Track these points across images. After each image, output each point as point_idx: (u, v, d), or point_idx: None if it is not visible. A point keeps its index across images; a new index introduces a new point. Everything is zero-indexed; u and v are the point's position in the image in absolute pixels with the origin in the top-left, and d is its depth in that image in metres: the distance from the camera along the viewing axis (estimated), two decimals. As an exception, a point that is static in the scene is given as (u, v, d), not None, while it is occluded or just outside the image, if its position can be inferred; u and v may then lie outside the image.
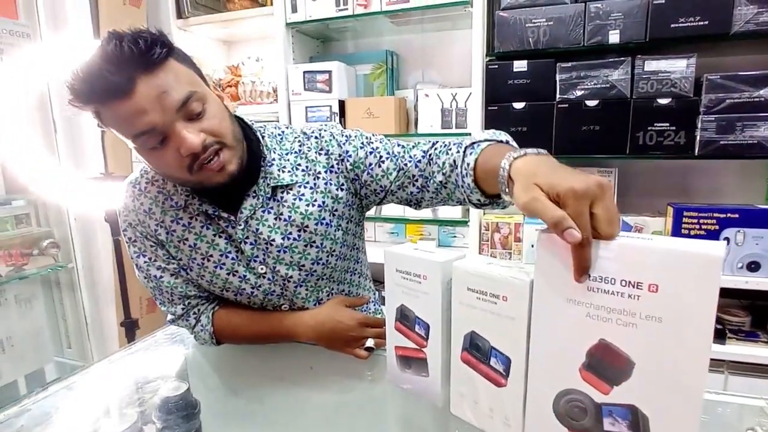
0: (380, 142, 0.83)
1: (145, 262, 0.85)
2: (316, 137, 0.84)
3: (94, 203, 1.58)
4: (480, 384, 0.60)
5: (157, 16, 1.97)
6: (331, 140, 0.84)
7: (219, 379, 0.97)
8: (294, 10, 1.66)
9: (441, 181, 0.75)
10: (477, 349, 0.60)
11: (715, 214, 1.38)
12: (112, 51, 0.62)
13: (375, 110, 1.61)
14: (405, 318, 0.69)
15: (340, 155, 0.83)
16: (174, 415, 0.79)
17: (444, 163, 0.73)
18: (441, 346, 0.64)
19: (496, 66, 1.47)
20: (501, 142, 0.68)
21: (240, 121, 0.82)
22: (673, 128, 1.35)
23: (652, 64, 1.33)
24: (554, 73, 1.42)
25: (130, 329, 1.61)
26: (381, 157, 0.81)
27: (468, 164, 0.66)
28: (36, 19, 1.66)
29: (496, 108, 1.48)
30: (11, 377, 1.77)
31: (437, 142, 0.78)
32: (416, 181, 0.79)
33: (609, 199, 0.44)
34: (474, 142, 0.68)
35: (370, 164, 0.82)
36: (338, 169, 0.83)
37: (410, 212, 1.67)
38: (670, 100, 1.34)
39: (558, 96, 1.43)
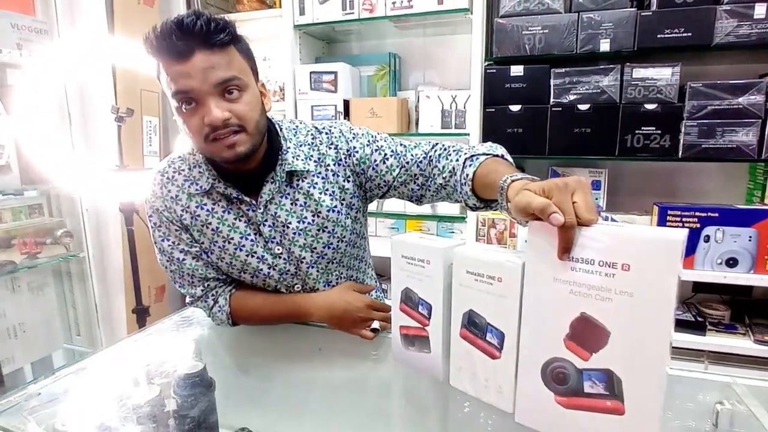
0: (385, 140, 0.91)
1: (169, 245, 0.91)
2: (326, 133, 0.92)
3: (108, 194, 1.64)
4: (477, 357, 0.67)
5: (168, 16, 2.01)
6: (340, 136, 0.91)
7: (231, 360, 1.02)
8: (302, 12, 1.72)
9: (441, 184, 0.83)
10: (474, 326, 0.67)
11: (697, 213, 1.47)
12: (188, 22, 0.72)
13: (378, 110, 1.68)
14: (409, 300, 0.76)
15: (347, 150, 0.91)
16: (192, 391, 0.84)
17: (444, 167, 0.82)
18: (442, 324, 0.71)
19: (494, 70, 1.55)
20: (497, 156, 0.76)
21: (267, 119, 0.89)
22: (659, 132, 1.43)
23: (640, 72, 1.41)
24: (549, 78, 1.50)
25: (141, 316, 1.67)
26: (385, 154, 0.89)
27: (467, 175, 0.75)
28: (53, 16, 1.72)
29: (493, 110, 1.55)
30: (22, 363, 1.82)
31: (437, 144, 0.86)
32: (417, 179, 0.87)
33: (586, 192, 0.52)
34: (474, 155, 0.76)
35: (375, 161, 0.89)
36: (346, 163, 0.91)
37: (410, 208, 1.74)
38: (656, 105, 1.42)
39: (552, 100, 1.51)
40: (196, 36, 0.72)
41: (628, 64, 1.43)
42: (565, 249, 0.52)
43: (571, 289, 0.54)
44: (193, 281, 0.94)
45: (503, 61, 1.55)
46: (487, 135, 1.56)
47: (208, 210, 0.88)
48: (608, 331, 0.52)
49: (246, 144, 0.79)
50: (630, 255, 0.49)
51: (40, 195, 1.85)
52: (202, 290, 0.94)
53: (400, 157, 0.88)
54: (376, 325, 0.91)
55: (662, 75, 1.39)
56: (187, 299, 0.98)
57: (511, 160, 0.77)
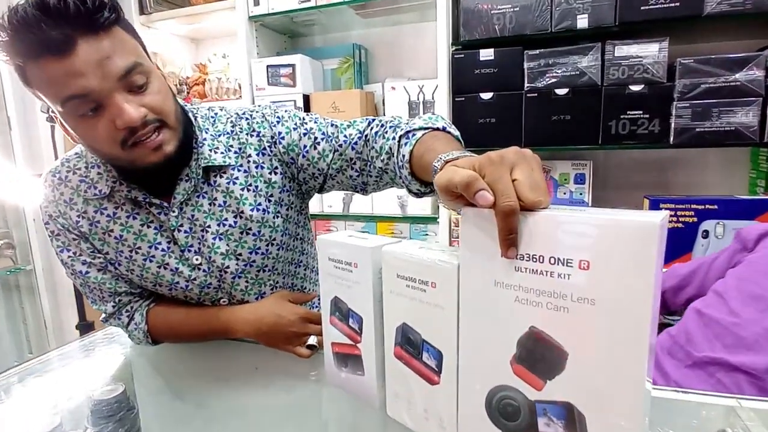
0: (315, 122, 0.78)
1: (69, 257, 0.78)
2: (247, 118, 0.79)
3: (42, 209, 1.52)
4: (414, 382, 0.54)
5: (119, 11, 1.90)
6: (262, 121, 0.78)
7: (162, 381, 0.91)
8: (256, 2, 1.61)
9: (381, 168, 0.71)
10: (409, 344, 0.54)
11: (694, 206, 1.34)
12: (55, 5, 0.55)
13: (340, 104, 1.56)
14: (339, 311, 0.63)
15: (272, 137, 0.77)
16: (108, 419, 0.73)
17: (381, 148, 0.69)
18: (374, 341, 0.58)
19: (462, 55, 1.42)
20: (438, 129, 0.63)
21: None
22: (647, 116, 1.30)
23: (623, 50, 1.28)
24: (522, 61, 1.37)
25: (86, 332, 1.54)
26: (316, 138, 0.76)
27: (403, 156, 0.62)
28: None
29: (463, 99, 1.43)
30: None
31: (374, 120, 0.74)
32: (354, 164, 0.74)
33: (532, 166, 0.40)
34: (410, 131, 0.63)
35: (305, 146, 0.76)
36: (271, 151, 0.78)
37: (379, 209, 1.61)
38: (642, 86, 1.29)
39: (526, 85, 1.37)
40: (73, 19, 0.56)
41: (609, 41, 1.30)
42: (508, 242, 0.39)
43: (516, 295, 0.41)
44: (102, 296, 0.81)
45: (472, 45, 1.43)
46: (457, 126, 1.38)
47: (109, 215, 0.75)
48: (565, 351, 0.39)
49: (173, 141, 0.67)
50: (589, 248, 0.36)
51: (-16, 205, 1.72)
52: (114, 306, 0.82)
53: (332, 140, 0.75)
54: (313, 341, 0.78)
55: (648, 52, 1.26)
56: (101, 317, 0.85)
57: (456, 132, 0.64)
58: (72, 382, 0.84)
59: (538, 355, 0.41)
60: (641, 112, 1.30)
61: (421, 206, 1.58)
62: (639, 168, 1.60)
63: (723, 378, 0.76)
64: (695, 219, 1.34)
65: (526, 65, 1.36)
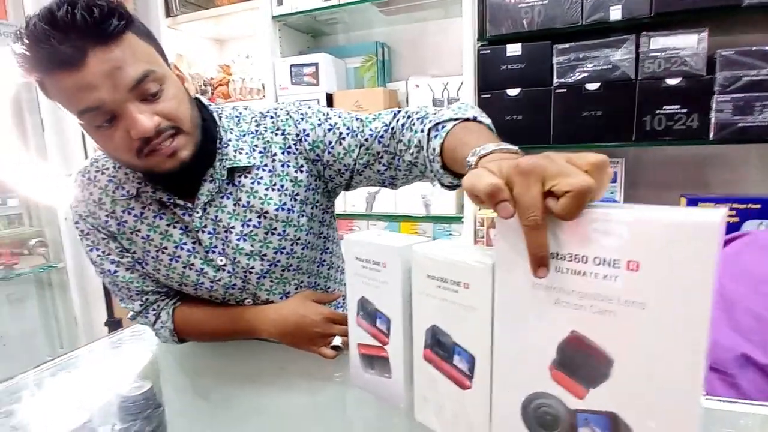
0: (339, 117, 0.76)
1: (98, 256, 0.79)
2: (271, 116, 0.78)
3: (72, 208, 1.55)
4: (443, 386, 0.52)
5: (145, 15, 1.93)
6: (287, 119, 0.77)
7: (188, 379, 0.92)
8: (279, 2, 1.61)
9: (410, 161, 0.68)
10: (440, 346, 0.52)
11: (735, 205, 1.27)
12: (63, 17, 0.55)
13: (364, 103, 1.55)
14: (366, 312, 0.62)
15: (297, 135, 0.76)
16: (135, 416, 0.74)
17: (410, 141, 0.67)
18: (403, 342, 0.57)
19: (488, 51, 1.39)
20: (468, 119, 0.60)
21: (197, 102, 0.76)
22: (684, 111, 1.24)
23: (659, 41, 1.23)
24: (551, 56, 1.32)
25: (114, 330, 1.57)
26: (341, 133, 0.74)
27: (434, 149, 0.60)
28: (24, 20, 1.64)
29: (489, 96, 1.39)
30: (2, 377, 1.74)
31: (399, 112, 0.71)
32: (381, 158, 0.72)
33: (564, 174, 0.35)
34: (439, 122, 0.61)
35: (330, 142, 0.75)
36: (296, 149, 0.77)
37: (402, 209, 1.59)
38: (680, 79, 1.23)
39: (555, 80, 1.33)
40: (82, 31, 0.56)
41: (644, 33, 1.25)
42: (537, 260, 0.37)
43: (557, 298, 0.38)
44: (130, 295, 0.82)
45: (498, 41, 1.39)
46: (485, 123, 1.40)
47: (136, 215, 0.75)
48: (610, 358, 0.36)
49: (188, 146, 0.66)
50: (639, 248, 0.34)
51: (20, 204, 1.78)
52: (141, 305, 0.82)
53: (357, 134, 0.73)
54: (338, 341, 0.76)
55: (686, 43, 1.20)
56: (129, 315, 0.85)
57: (488, 121, 0.61)
58: (100, 379, 0.85)
59: (580, 361, 0.38)
60: (678, 106, 1.24)
61: (446, 206, 1.55)
62: (675, 165, 1.53)
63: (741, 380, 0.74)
64: (737, 219, 1.27)
65: (555, 60, 1.32)
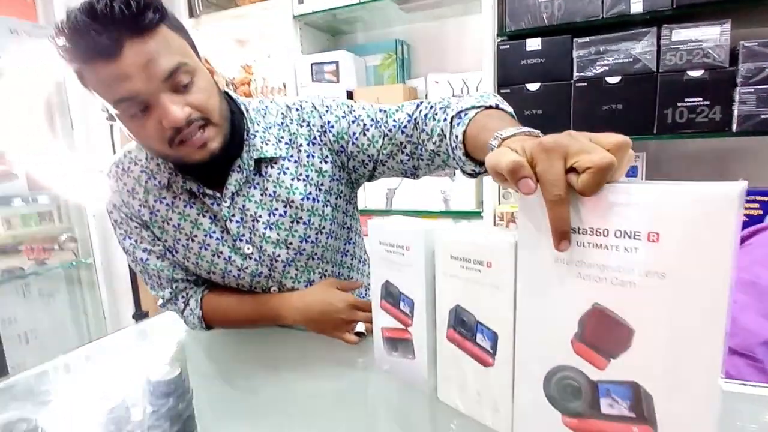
0: (363, 109, 0.78)
1: (131, 244, 0.82)
2: (297, 109, 0.80)
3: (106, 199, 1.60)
4: (467, 365, 0.54)
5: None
6: (312, 111, 0.79)
7: (215, 366, 0.95)
8: (300, 1, 1.64)
9: (433, 150, 0.70)
10: (463, 326, 0.54)
11: (759, 198, 1.25)
12: (102, 10, 0.58)
13: (383, 99, 1.57)
14: (390, 295, 0.63)
15: (321, 126, 0.79)
16: (165, 399, 0.77)
17: (432, 130, 0.68)
18: (426, 324, 0.58)
19: (508, 46, 1.39)
20: (490, 107, 0.62)
21: (226, 95, 0.78)
22: (707, 103, 1.23)
23: (681, 34, 1.22)
24: (571, 50, 1.32)
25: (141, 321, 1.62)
26: (365, 124, 0.76)
27: (456, 137, 0.61)
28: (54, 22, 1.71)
29: (508, 91, 1.39)
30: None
31: (422, 103, 0.73)
32: (404, 148, 0.74)
33: (586, 151, 0.36)
34: (462, 110, 0.62)
35: (354, 133, 0.77)
36: (321, 141, 0.79)
37: (422, 204, 1.60)
38: (702, 72, 1.22)
39: (575, 74, 1.33)
40: (119, 23, 0.58)
41: (666, 25, 1.23)
42: (559, 234, 0.38)
43: (579, 271, 0.40)
44: (161, 282, 0.85)
45: (518, 36, 1.40)
46: (503, 117, 1.40)
47: (168, 204, 0.78)
48: (631, 329, 0.38)
49: (217, 138, 0.69)
50: (659, 220, 0.35)
51: (51, 202, 1.84)
52: (171, 292, 0.85)
53: (381, 125, 0.75)
54: (360, 327, 0.78)
55: (708, 35, 1.19)
56: (158, 302, 0.89)
57: (509, 109, 0.62)
58: (131, 365, 0.89)
59: (602, 333, 0.39)
60: (701, 98, 1.23)
61: (465, 201, 1.56)
62: (698, 159, 1.51)
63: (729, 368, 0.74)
64: (761, 212, 1.25)
65: (575, 54, 1.32)
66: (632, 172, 1.45)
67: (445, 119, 0.64)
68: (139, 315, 1.65)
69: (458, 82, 1.53)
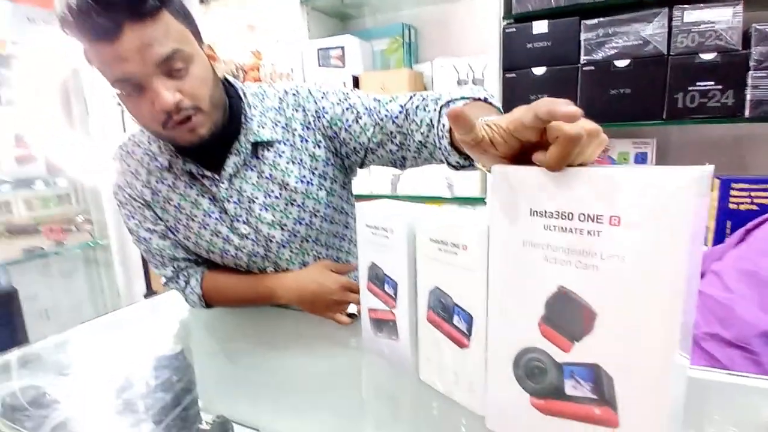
0: (358, 97, 0.79)
1: (135, 224, 0.85)
2: (294, 94, 0.81)
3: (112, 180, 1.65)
4: (445, 346, 0.55)
5: (180, 1, 2.01)
6: (308, 97, 0.80)
7: (215, 342, 0.98)
8: (307, -14, 1.64)
9: (420, 141, 0.70)
10: (441, 307, 0.55)
11: (771, 186, 1.21)
12: None
13: (389, 84, 1.56)
14: (375, 277, 0.65)
15: (316, 111, 0.80)
16: (167, 373, 0.80)
17: (422, 121, 0.69)
18: (408, 305, 0.59)
19: (514, 29, 1.37)
20: (479, 99, 0.62)
21: (225, 81, 0.80)
22: (719, 87, 1.19)
23: (693, 15, 1.18)
24: (578, 33, 1.29)
25: (153, 302, 1.67)
26: (358, 112, 0.77)
27: (444, 125, 0.62)
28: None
29: (513, 75, 1.37)
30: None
31: (415, 95, 0.73)
32: (394, 138, 0.75)
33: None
34: (451, 101, 0.63)
35: (347, 120, 0.78)
36: (315, 126, 0.80)
37: (426, 190, 1.60)
38: (714, 55, 1.18)
39: (583, 58, 1.30)
40: (120, 7, 0.60)
41: (677, 6, 1.19)
42: (561, 157, 0.36)
43: (545, 254, 0.40)
44: (163, 261, 0.88)
45: (525, 18, 1.37)
46: (508, 103, 1.38)
47: (169, 185, 0.81)
48: (594, 311, 0.38)
49: (206, 125, 0.70)
50: (619, 203, 0.35)
51: (69, 184, 1.90)
52: (173, 271, 0.88)
53: (373, 114, 0.76)
54: (353, 309, 0.80)
55: (721, 17, 1.15)
56: (161, 280, 0.92)
57: (498, 104, 0.63)
58: (138, 339, 0.92)
59: (567, 315, 0.40)
60: (713, 82, 1.19)
61: (469, 187, 1.56)
62: (709, 145, 1.47)
63: (716, 353, 0.73)
64: (773, 201, 1.22)
65: (582, 36, 1.29)
66: (642, 160, 1.42)
67: (435, 109, 0.65)
68: (150, 294, 1.71)
69: (464, 66, 1.51)
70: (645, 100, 1.26)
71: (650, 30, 1.22)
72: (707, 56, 1.19)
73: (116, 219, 1.88)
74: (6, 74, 1.75)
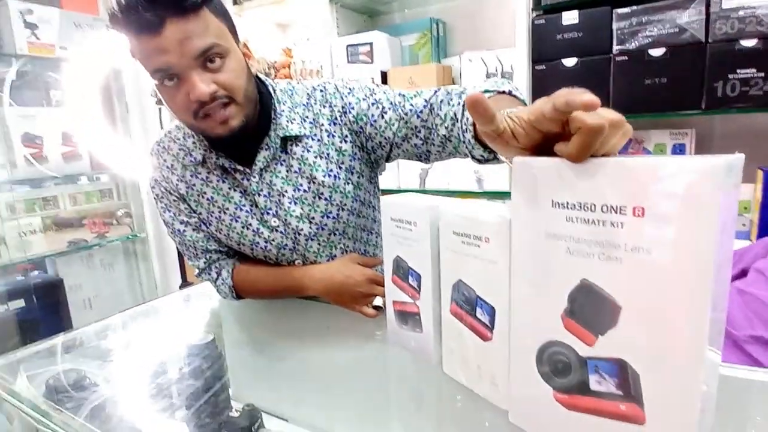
0: (383, 92, 0.80)
1: (170, 216, 0.89)
2: (321, 90, 0.83)
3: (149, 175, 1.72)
4: (468, 339, 0.55)
5: (215, 2, 2.06)
6: (335, 92, 0.82)
7: (244, 333, 1.01)
8: (336, -16, 1.66)
9: (445, 135, 0.71)
10: (464, 300, 0.55)
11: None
12: None
13: (417, 79, 1.56)
14: (400, 270, 0.65)
15: (342, 107, 0.81)
16: (199, 361, 0.84)
17: (446, 115, 0.69)
18: (432, 298, 0.60)
19: (543, 21, 1.34)
20: (503, 92, 0.62)
21: (257, 78, 0.82)
22: (761, 75, 1.13)
23: (732, 1, 1.12)
24: (610, 22, 1.25)
25: (188, 293, 1.74)
26: (383, 107, 0.78)
27: (468, 119, 0.62)
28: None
29: (543, 67, 1.35)
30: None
31: (440, 89, 0.73)
32: (419, 132, 0.75)
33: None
34: None
35: (373, 116, 0.79)
36: (341, 121, 0.81)
37: (455, 185, 1.60)
38: (756, 41, 1.12)
39: (615, 47, 1.26)
40: (164, 3, 0.65)
41: (715, -8, 1.14)
42: (583, 148, 0.36)
43: (568, 247, 0.40)
44: (196, 253, 0.91)
45: (554, 9, 1.33)
46: (538, 95, 1.35)
47: (202, 179, 0.84)
48: (618, 305, 0.37)
49: (239, 116, 0.73)
50: (643, 194, 0.34)
51: (110, 180, 1.99)
52: (205, 262, 0.91)
53: (398, 109, 0.77)
54: (379, 302, 0.81)
55: (762, 2, 1.09)
56: (195, 271, 0.95)
57: (523, 96, 0.62)
58: (173, 328, 0.96)
59: (590, 308, 0.39)
60: (754, 70, 1.13)
61: (498, 181, 1.54)
62: (750, 135, 1.40)
63: (761, 357, 0.69)
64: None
65: (615, 26, 1.25)
66: (680, 150, 1.37)
67: (459, 103, 0.65)
68: (184, 285, 1.77)
69: (492, 59, 1.49)
70: (682, 90, 1.21)
71: (687, 17, 1.17)
72: (748, 43, 1.13)
73: (153, 213, 1.96)
74: (55, 77, 1.84)
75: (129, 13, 0.65)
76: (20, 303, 1.60)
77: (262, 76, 0.85)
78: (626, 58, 1.24)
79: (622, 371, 0.38)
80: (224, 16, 0.73)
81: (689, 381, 0.34)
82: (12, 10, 1.54)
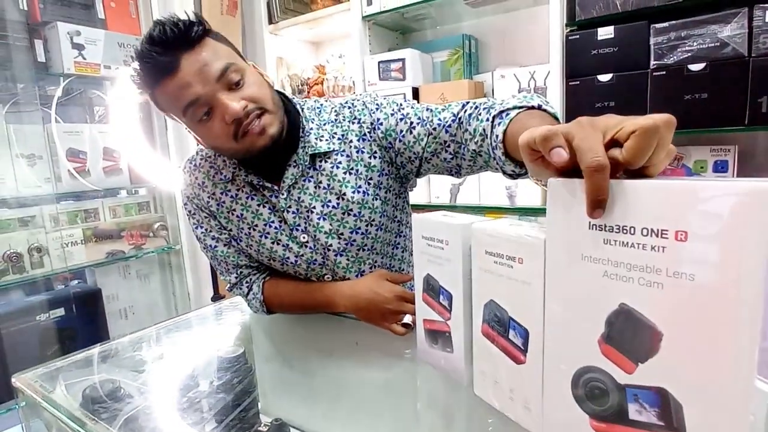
0: (411, 107, 0.80)
1: (202, 233, 0.91)
2: (349, 106, 0.84)
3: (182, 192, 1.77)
4: (500, 361, 0.54)
5: (251, 23, 2.13)
6: (363, 109, 0.83)
7: (274, 347, 1.02)
8: (369, 2, 1.69)
9: (475, 150, 0.70)
10: (496, 321, 0.54)
11: None
12: (158, 35, 0.69)
13: (448, 95, 1.56)
14: (431, 288, 0.65)
15: (371, 123, 0.82)
16: (230, 374, 0.85)
17: (475, 130, 0.69)
18: (463, 318, 0.59)
19: (577, 36, 1.32)
20: (533, 107, 0.61)
21: (281, 95, 0.85)
22: (809, 91, 1.08)
23: (777, 14, 1.08)
24: (647, 37, 1.22)
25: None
26: (412, 123, 0.78)
27: (497, 136, 0.61)
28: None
29: (577, 83, 1.32)
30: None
31: (468, 103, 0.73)
32: (448, 146, 0.75)
33: (626, 121, 0.37)
34: (504, 110, 0.63)
35: (402, 131, 0.79)
36: (371, 137, 0.82)
37: (487, 200, 1.58)
38: (803, 56, 1.08)
39: (653, 63, 1.23)
40: (173, 42, 0.69)
41: (758, 5, 1.10)
42: (595, 202, 0.36)
43: (605, 270, 0.39)
44: (227, 268, 0.93)
45: (589, 25, 1.31)
46: (571, 111, 1.33)
47: (232, 196, 0.86)
48: (659, 332, 0.36)
49: (274, 123, 0.76)
50: (686, 217, 0.33)
51: (148, 193, 2.07)
52: (236, 277, 0.93)
53: (426, 124, 0.77)
54: (408, 319, 0.80)
55: (809, 15, 1.05)
56: (226, 286, 0.98)
57: (554, 110, 0.62)
58: (204, 340, 0.98)
59: (629, 334, 0.38)
60: (802, 85, 1.08)
61: (530, 197, 1.51)
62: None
63: None
64: None
65: (652, 41, 1.22)
66: (722, 168, 1.32)
67: (488, 119, 0.65)
68: (216, 298, 1.80)
69: (525, 75, 1.48)
70: (724, 105, 1.17)
71: (728, 31, 1.13)
72: (795, 57, 1.09)
73: (188, 226, 2.01)
74: (99, 95, 1.95)
75: (148, 64, 0.70)
76: (60, 312, 1.67)
77: (288, 95, 0.87)
78: (664, 72, 1.21)
79: (663, 401, 0.37)
80: (226, 41, 0.77)
81: (736, 412, 0.33)
82: (61, 32, 1.64)
